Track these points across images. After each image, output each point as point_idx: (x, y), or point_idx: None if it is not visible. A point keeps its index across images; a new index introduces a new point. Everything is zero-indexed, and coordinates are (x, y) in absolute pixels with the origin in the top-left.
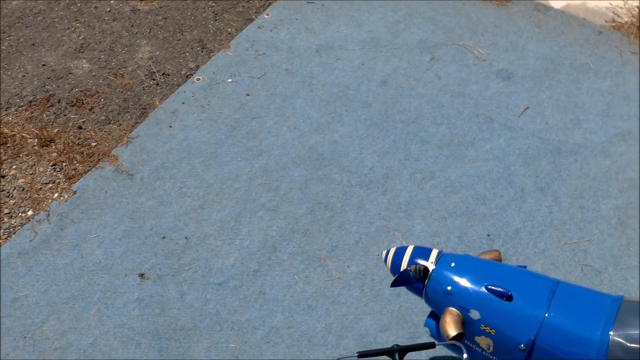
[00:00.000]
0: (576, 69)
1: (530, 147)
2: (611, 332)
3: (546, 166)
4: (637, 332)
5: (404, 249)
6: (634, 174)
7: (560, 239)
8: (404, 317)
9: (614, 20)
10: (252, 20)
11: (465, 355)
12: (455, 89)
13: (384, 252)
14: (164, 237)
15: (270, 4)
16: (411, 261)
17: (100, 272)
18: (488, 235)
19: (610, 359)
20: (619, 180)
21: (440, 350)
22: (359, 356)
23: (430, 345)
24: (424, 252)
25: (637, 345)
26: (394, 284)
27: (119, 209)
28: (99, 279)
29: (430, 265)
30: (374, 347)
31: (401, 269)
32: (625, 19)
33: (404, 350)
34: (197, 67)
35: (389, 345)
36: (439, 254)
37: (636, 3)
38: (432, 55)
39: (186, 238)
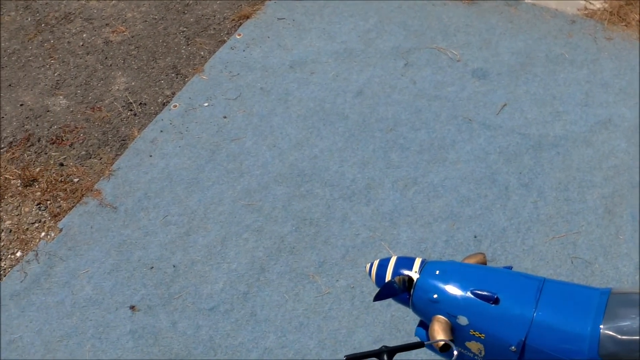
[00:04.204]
0: (552, 61)
1: (511, 144)
2: (602, 326)
3: (528, 162)
4: (628, 323)
5: (387, 260)
6: (617, 161)
7: (548, 233)
8: (397, 327)
9: (586, 8)
10: (224, 41)
11: (455, 353)
12: (432, 93)
13: (368, 266)
14: (152, 267)
15: (241, 24)
16: (395, 272)
17: (92, 308)
18: (475, 237)
19: (603, 353)
20: (602, 169)
21: (430, 351)
22: None
23: (419, 345)
24: (407, 262)
25: (629, 337)
26: (378, 297)
27: (106, 243)
28: (91, 314)
29: (414, 274)
30: None
31: (385, 281)
32: (598, 5)
33: (392, 351)
34: (173, 93)
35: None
36: (423, 262)
37: None
38: (406, 60)
39: (174, 266)
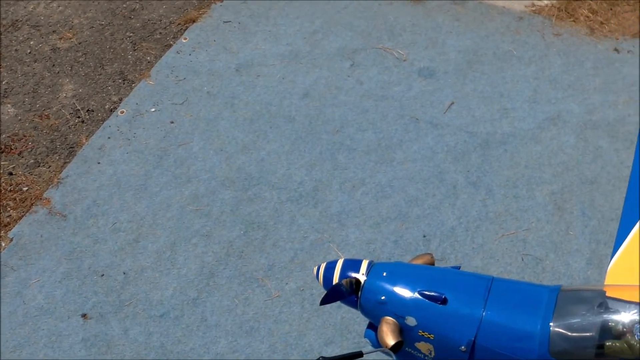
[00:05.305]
0: (499, 58)
1: (459, 142)
2: (551, 324)
3: (476, 160)
4: (578, 320)
5: (334, 263)
6: (566, 157)
7: (498, 231)
8: (347, 328)
9: (533, 5)
10: (170, 46)
11: None
12: (378, 93)
13: (315, 269)
14: (103, 275)
15: (187, 28)
16: (342, 275)
17: (44, 317)
18: (424, 237)
19: (554, 351)
20: (552, 165)
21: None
22: None
23: (358, 355)
24: (354, 264)
25: (579, 334)
26: (325, 300)
27: (56, 251)
28: (43, 323)
29: (361, 276)
30: None
31: (333, 283)
32: (546, 1)
33: None
34: (120, 99)
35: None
36: (370, 264)
37: None
38: (352, 61)
39: (124, 273)
